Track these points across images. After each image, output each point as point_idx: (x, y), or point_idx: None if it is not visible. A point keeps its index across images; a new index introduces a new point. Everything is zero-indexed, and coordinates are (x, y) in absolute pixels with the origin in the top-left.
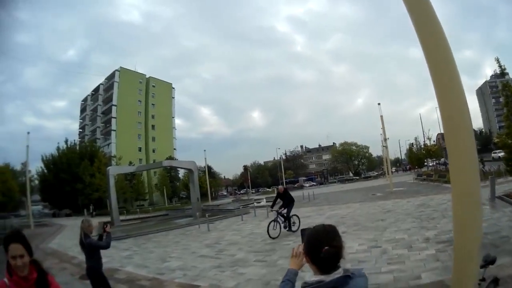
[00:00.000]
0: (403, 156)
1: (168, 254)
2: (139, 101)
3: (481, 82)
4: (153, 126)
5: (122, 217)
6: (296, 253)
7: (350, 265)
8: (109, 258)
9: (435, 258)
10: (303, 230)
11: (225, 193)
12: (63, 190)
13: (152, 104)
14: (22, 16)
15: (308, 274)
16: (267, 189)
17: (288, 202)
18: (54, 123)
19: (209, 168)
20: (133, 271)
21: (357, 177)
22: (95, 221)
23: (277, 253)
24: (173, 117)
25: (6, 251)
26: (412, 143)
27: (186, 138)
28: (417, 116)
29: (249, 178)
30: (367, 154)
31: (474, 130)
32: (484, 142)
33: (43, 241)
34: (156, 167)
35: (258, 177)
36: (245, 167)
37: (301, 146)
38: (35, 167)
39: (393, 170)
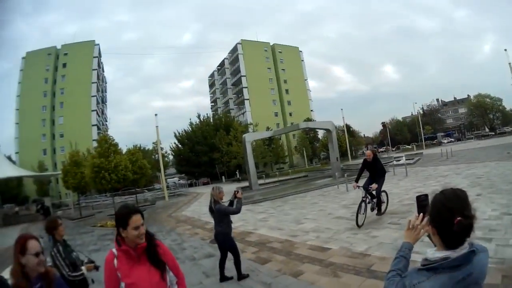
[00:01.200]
0: None
1: (303, 216)
2: (268, 68)
3: None
4: (286, 91)
5: (261, 181)
6: (413, 225)
7: (481, 233)
8: (243, 221)
9: None
10: (418, 198)
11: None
12: (199, 161)
13: (282, 69)
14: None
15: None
16: (407, 146)
17: (380, 174)
18: (182, 102)
19: (348, 126)
20: (265, 233)
21: (493, 133)
22: (233, 187)
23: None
24: (305, 80)
25: (126, 224)
26: None
27: (322, 99)
28: None
29: (388, 135)
30: (500, 107)
31: None
32: None
33: (177, 210)
34: (293, 129)
35: (397, 134)
36: (384, 124)
37: (437, 100)
38: (169, 143)
39: None
